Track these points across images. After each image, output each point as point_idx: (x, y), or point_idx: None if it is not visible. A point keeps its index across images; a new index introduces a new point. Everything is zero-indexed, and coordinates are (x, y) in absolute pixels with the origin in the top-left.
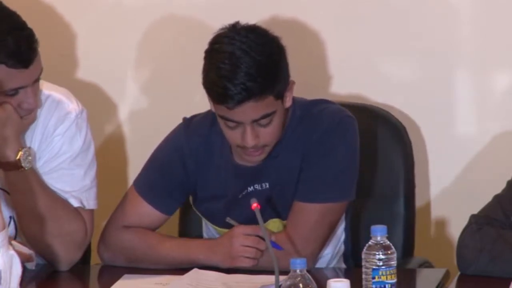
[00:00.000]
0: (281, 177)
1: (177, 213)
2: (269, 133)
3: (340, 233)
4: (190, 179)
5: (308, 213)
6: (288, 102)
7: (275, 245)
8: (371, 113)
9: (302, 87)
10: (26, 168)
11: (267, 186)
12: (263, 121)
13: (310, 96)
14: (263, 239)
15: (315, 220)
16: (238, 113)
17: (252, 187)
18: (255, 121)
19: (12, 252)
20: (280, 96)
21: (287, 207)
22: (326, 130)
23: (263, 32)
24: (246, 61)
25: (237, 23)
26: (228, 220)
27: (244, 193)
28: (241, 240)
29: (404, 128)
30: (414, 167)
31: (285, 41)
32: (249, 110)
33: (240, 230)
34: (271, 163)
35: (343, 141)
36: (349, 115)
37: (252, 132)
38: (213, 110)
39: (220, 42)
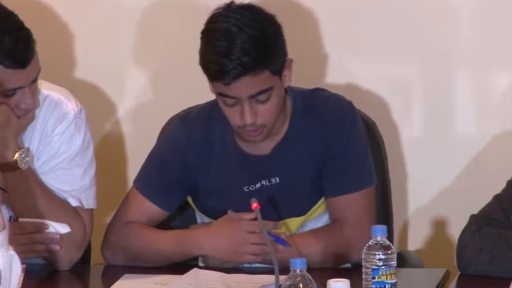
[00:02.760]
0: (292, 172)
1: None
2: (267, 110)
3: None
4: (190, 174)
5: (354, 203)
6: (287, 81)
7: (281, 241)
8: None
9: (296, 68)
10: (23, 169)
11: (277, 180)
12: (261, 97)
13: (304, 76)
14: (272, 235)
15: (362, 208)
16: (235, 88)
17: (260, 183)
18: (253, 96)
19: (12, 252)
20: (277, 72)
21: (298, 203)
22: (338, 122)
23: (258, 10)
24: (241, 37)
25: (232, 2)
26: (230, 212)
27: (251, 188)
28: (250, 238)
29: (374, 123)
30: (387, 162)
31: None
32: (245, 85)
33: (246, 227)
34: (281, 157)
35: (355, 129)
36: (349, 102)
37: (250, 109)
38: (212, 90)
39: (215, 21)
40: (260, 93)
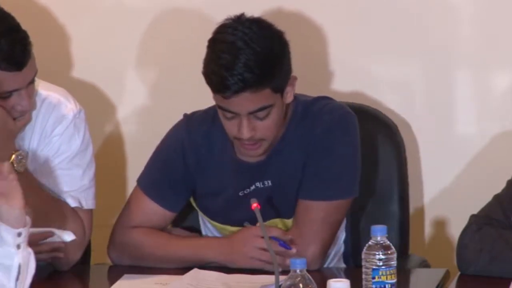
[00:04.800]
0: (284, 175)
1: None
2: (265, 127)
3: (340, 232)
4: (191, 175)
5: (313, 211)
6: (289, 98)
7: (284, 245)
8: (362, 112)
9: (303, 82)
10: (19, 172)
11: (270, 184)
12: (260, 114)
13: (310, 91)
14: (276, 239)
15: (319, 219)
16: (235, 103)
17: (254, 186)
18: (252, 113)
19: (30, 250)
20: (279, 90)
21: (289, 205)
22: (328, 127)
23: (267, 25)
24: (246, 52)
25: (242, 14)
26: (246, 224)
27: (246, 191)
28: (258, 242)
29: (395, 126)
30: (406, 166)
31: (287, 35)
32: (245, 101)
33: (255, 232)
34: (274, 160)
35: (345, 138)
36: (350, 112)
37: (248, 124)
38: (213, 99)
39: (223, 32)
40: (260, 110)
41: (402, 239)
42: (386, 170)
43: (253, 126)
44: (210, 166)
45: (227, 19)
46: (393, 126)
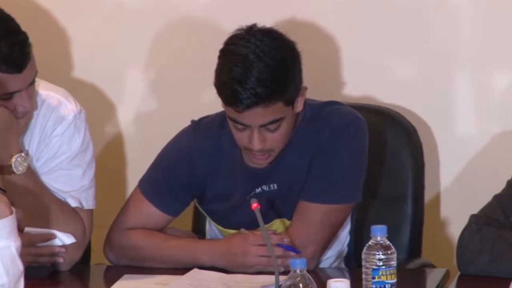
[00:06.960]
0: (290, 178)
1: (190, 211)
2: (276, 138)
3: (344, 236)
4: (198, 181)
5: (312, 213)
6: (299, 107)
7: (292, 249)
8: (383, 114)
9: (315, 89)
10: (19, 173)
11: (275, 187)
12: (271, 126)
13: (322, 98)
14: (281, 245)
15: (318, 221)
16: (247, 116)
17: (260, 188)
18: (263, 125)
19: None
20: (290, 103)
21: (293, 208)
22: (334, 131)
23: (279, 36)
24: (258, 66)
25: (254, 25)
26: (243, 231)
27: (252, 194)
28: (256, 251)
29: (415, 129)
30: (424, 169)
31: (300, 44)
32: (257, 115)
33: (253, 241)
34: (280, 164)
35: (350, 143)
36: (359, 117)
37: (259, 136)
38: (224, 109)
39: (235, 43)
40: (271, 122)
41: (414, 242)
42: (402, 172)
43: (264, 138)
44: (219, 171)
45: (238, 29)
46: (412, 129)
